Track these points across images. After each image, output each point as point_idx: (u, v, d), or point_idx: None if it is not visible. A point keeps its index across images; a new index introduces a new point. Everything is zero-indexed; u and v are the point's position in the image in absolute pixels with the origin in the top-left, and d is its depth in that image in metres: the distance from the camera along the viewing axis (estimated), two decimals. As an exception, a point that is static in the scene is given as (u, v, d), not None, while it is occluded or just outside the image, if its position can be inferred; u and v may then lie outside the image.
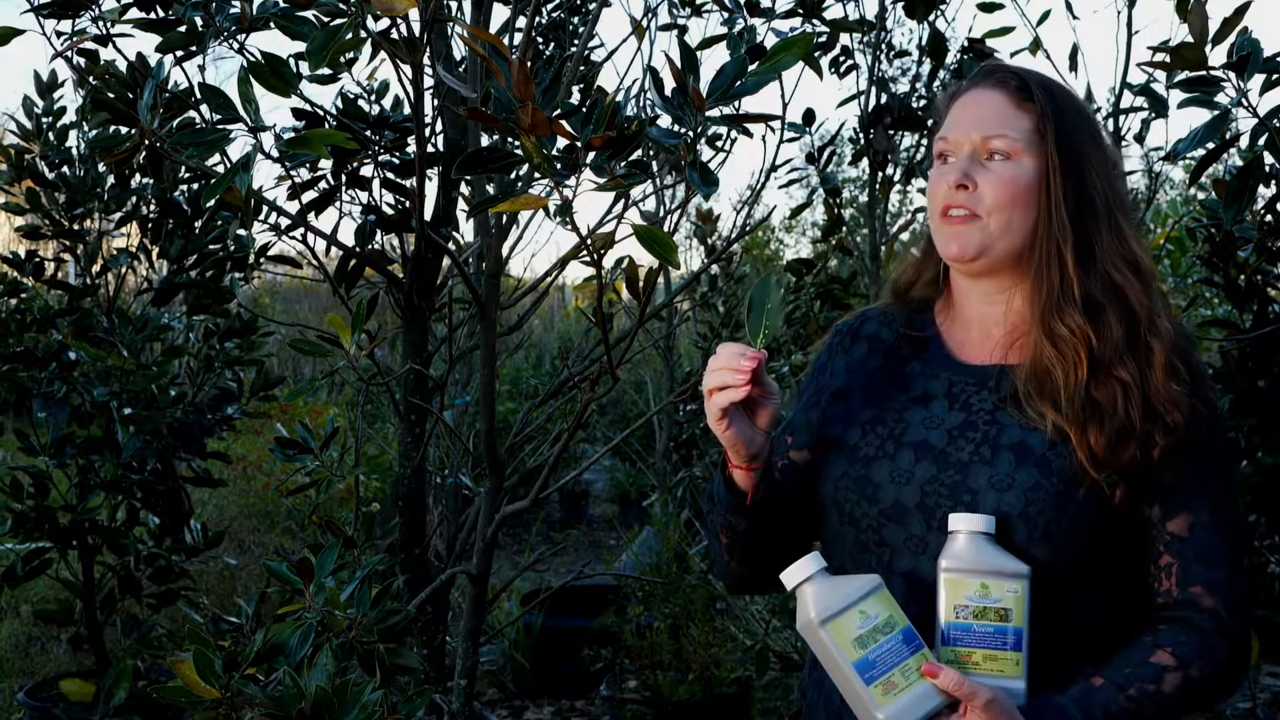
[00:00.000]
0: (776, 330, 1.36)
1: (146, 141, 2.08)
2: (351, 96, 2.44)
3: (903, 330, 1.48)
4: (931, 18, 2.95)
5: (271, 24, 1.99)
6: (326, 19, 1.84)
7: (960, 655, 1.25)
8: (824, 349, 1.57)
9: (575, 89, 2.57)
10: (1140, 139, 2.89)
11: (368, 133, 2.36)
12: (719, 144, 2.65)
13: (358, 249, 2.40)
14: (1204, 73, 1.99)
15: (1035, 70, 1.44)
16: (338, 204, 2.44)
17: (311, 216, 2.40)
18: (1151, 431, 1.29)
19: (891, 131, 2.95)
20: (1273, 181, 2.37)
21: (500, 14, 6.31)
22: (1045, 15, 2.90)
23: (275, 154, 2.18)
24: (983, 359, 1.42)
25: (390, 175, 2.46)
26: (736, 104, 1.64)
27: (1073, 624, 1.32)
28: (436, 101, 2.60)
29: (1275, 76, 2.03)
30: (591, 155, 1.52)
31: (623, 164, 1.54)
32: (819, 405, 1.50)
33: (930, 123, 2.96)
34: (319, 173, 2.40)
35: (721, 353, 1.31)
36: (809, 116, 3.12)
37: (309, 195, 2.39)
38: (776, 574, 1.41)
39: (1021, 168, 1.35)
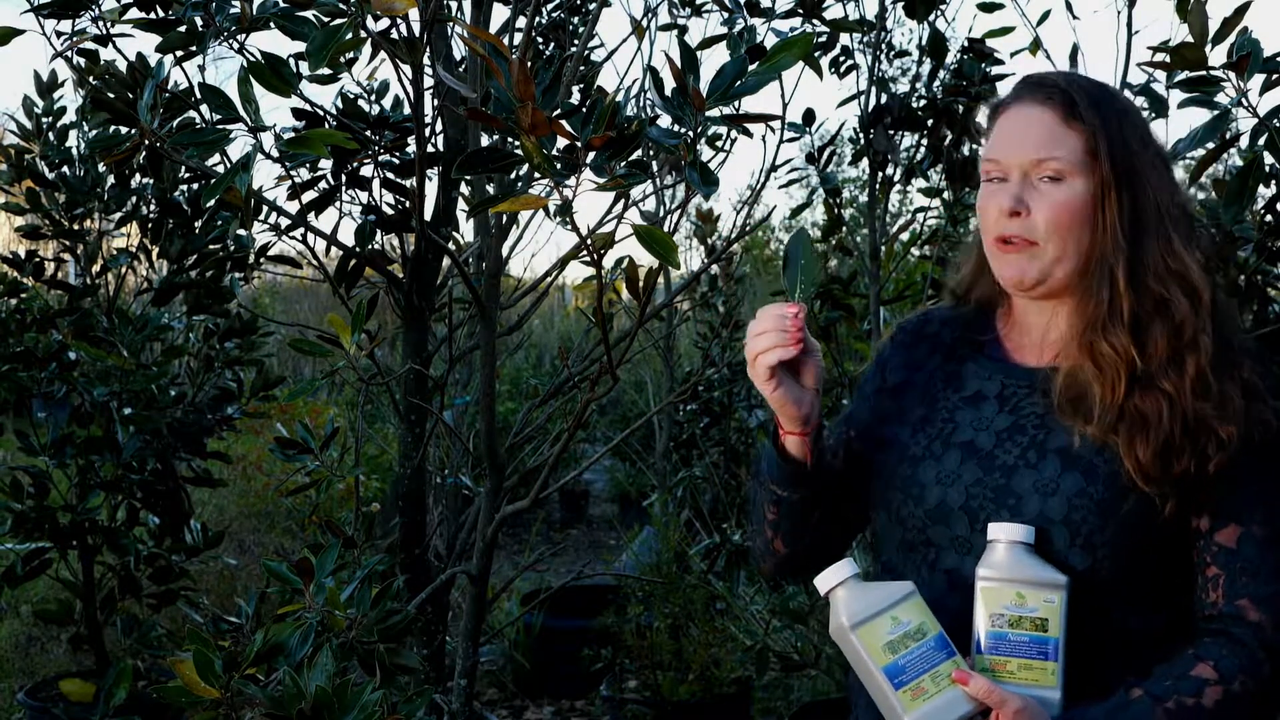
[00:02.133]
0: (815, 284, 1.35)
1: (146, 141, 2.08)
2: (351, 96, 2.44)
3: (963, 332, 1.48)
4: (931, 18, 2.95)
5: (271, 24, 1.99)
6: (326, 19, 1.84)
7: (995, 664, 1.25)
8: (886, 344, 1.57)
9: (575, 89, 2.57)
10: (1140, 139, 2.89)
11: (368, 133, 2.36)
12: (719, 144, 2.64)
13: (358, 249, 2.40)
14: (1204, 73, 1.99)
15: (1079, 77, 1.40)
16: (338, 204, 2.44)
17: (311, 216, 2.40)
18: (1205, 445, 1.26)
19: (891, 131, 2.95)
20: (1273, 181, 2.37)
21: (500, 14, 6.31)
22: (1045, 15, 2.90)
23: (275, 154, 2.18)
24: (1036, 360, 1.41)
25: (390, 175, 2.46)
26: (736, 104, 1.64)
27: (1116, 635, 1.30)
28: (436, 101, 2.60)
29: (1275, 76, 2.02)
30: (591, 155, 1.52)
31: (623, 164, 1.54)
32: (874, 400, 1.51)
33: (930, 123, 2.97)
34: (319, 173, 2.40)
35: (762, 315, 1.29)
36: (809, 116, 3.12)
37: (309, 195, 2.39)
38: (820, 556, 1.42)
39: (1074, 190, 1.32)
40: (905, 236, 3.80)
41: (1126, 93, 2.81)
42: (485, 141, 2.56)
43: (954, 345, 1.48)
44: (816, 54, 2.68)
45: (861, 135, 2.99)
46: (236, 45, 2.08)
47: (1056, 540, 1.28)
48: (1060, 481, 1.30)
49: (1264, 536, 1.28)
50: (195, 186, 3.01)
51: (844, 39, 2.97)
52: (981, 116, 1.50)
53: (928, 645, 1.24)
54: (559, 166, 1.53)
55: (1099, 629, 1.29)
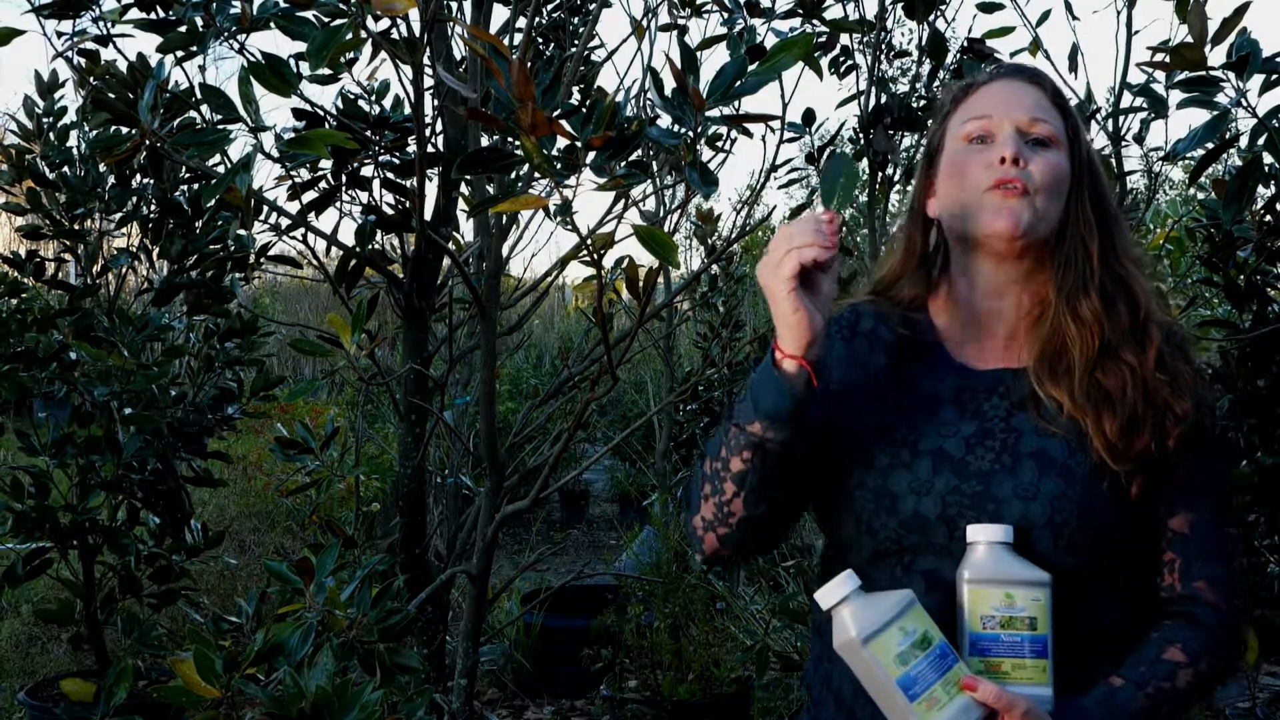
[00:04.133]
0: (851, 202, 1.30)
1: (147, 141, 2.09)
2: (351, 96, 2.44)
3: (901, 331, 1.45)
4: (931, 18, 2.95)
5: (271, 24, 1.99)
6: (326, 19, 1.84)
7: (990, 665, 1.26)
8: None
9: (575, 89, 2.57)
10: (1140, 139, 2.89)
11: (368, 133, 2.36)
12: (719, 144, 2.64)
13: (358, 249, 2.41)
14: (1203, 73, 1.99)
15: None
16: (338, 204, 2.45)
17: (311, 216, 2.40)
18: (1164, 418, 1.32)
19: (891, 131, 2.95)
20: (1272, 181, 2.37)
21: (500, 14, 6.31)
22: (1045, 15, 2.90)
23: (275, 154, 2.18)
24: (988, 363, 1.41)
25: (390, 175, 2.46)
26: (736, 104, 1.64)
27: (1095, 627, 1.33)
28: (436, 101, 2.60)
29: (1275, 76, 2.03)
30: (591, 155, 1.52)
31: (623, 164, 1.54)
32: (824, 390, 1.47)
33: (933, 118, 2.97)
34: (319, 173, 2.40)
35: (798, 221, 1.23)
36: (809, 116, 3.11)
37: (309, 195, 2.40)
38: (769, 534, 1.38)
39: (1061, 157, 1.39)
40: (905, 236, 3.80)
41: (1126, 93, 2.82)
42: (485, 141, 2.56)
43: (896, 344, 1.45)
44: (816, 54, 2.68)
45: (861, 135, 2.99)
46: (237, 45, 2.08)
47: (1041, 543, 1.29)
48: (1040, 485, 1.30)
49: (1215, 520, 1.35)
50: (195, 186, 3.02)
51: (844, 39, 2.97)
52: (953, 93, 1.51)
53: (934, 653, 1.23)
54: (559, 166, 1.53)
55: (1078, 622, 1.31)
